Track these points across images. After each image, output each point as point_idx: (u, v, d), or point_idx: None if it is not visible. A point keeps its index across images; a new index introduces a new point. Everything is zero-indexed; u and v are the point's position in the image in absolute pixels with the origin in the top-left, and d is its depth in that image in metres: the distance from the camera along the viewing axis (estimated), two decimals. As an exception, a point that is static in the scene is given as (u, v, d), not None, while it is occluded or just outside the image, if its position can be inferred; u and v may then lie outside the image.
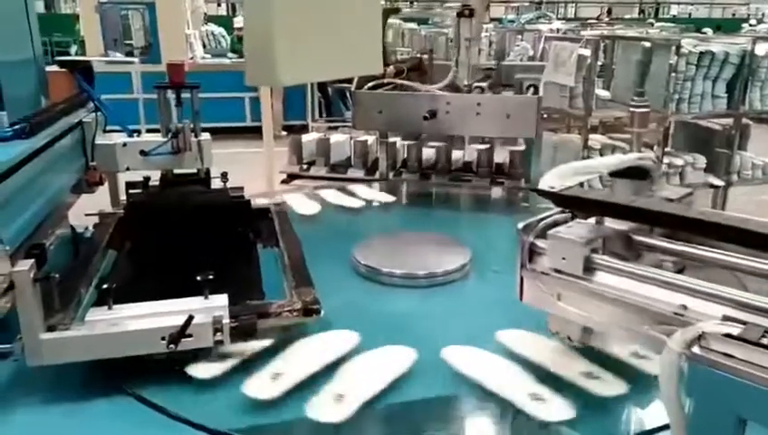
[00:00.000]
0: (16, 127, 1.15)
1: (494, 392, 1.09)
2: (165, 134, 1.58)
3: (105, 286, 1.13)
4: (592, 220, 1.13)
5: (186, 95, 1.62)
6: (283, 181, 3.21)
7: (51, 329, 1.05)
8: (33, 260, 1.01)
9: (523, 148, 2.22)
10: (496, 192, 2.32)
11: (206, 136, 1.63)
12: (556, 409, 1.04)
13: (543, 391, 1.08)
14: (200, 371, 1.08)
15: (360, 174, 2.61)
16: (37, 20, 1.55)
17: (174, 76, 1.58)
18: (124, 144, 1.58)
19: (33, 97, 1.49)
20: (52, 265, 1.12)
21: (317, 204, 2.15)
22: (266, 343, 1.19)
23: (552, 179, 1.10)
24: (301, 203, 2.13)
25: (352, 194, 2.23)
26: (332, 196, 2.23)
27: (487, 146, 2.24)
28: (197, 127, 1.61)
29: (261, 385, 1.06)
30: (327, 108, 10.02)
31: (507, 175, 2.26)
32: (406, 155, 2.41)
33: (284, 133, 8.12)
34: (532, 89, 2.23)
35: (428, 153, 2.42)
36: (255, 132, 5.48)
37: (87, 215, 1.61)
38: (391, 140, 2.42)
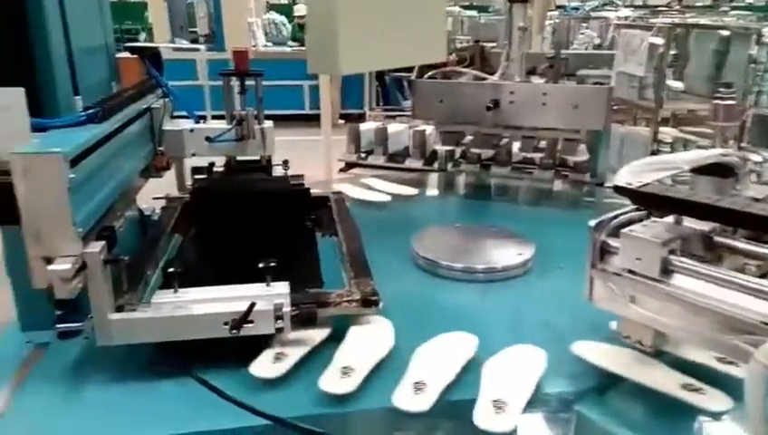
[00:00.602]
0: (90, 112, 1.17)
1: (646, 385, 1.04)
2: (229, 121, 1.60)
3: (171, 270, 1.15)
4: (669, 219, 1.07)
5: (250, 82, 1.63)
6: (342, 170, 3.23)
7: (119, 309, 1.07)
8: (103, 242, 1.04)
9: (586, 157, 2.11)
10: (560, 186, 2.24)
11: (268, 124, 1.63)
12: (717, 398, 1.00)
13: (693, 381, 1.04)
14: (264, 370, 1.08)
15: (417, 164, 2.58)
16: (110, 7, 1.58)
17: (239, 64, 1.59)
18: (191, 130, 1.60)
19: (105, 82, 1.53)
20: (121, 246, 1.15)
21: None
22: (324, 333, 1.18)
23: (628, 175, 1.04)
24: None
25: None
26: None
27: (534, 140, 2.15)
28: (261, 114, 1.62)
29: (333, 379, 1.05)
30: (384, 97, 10.01)
31: (571, 168, 2.17)
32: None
33: (341, 122, 8.18)
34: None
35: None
36: (314, 120, 5.53)
37: (154, 198, 1.66)
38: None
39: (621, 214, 1.08)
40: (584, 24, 8.23)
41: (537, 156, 2.14)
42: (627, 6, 11.00)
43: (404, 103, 9.78)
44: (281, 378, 1.07)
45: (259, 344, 1.13)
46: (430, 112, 2.26)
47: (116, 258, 1.07)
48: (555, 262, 1.59)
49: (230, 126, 1.59)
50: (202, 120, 1.67)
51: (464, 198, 2.23)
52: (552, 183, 2.22)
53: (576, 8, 9.89)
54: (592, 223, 1.04)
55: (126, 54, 1.69)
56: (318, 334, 1.16)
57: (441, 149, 2.25)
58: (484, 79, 2.20)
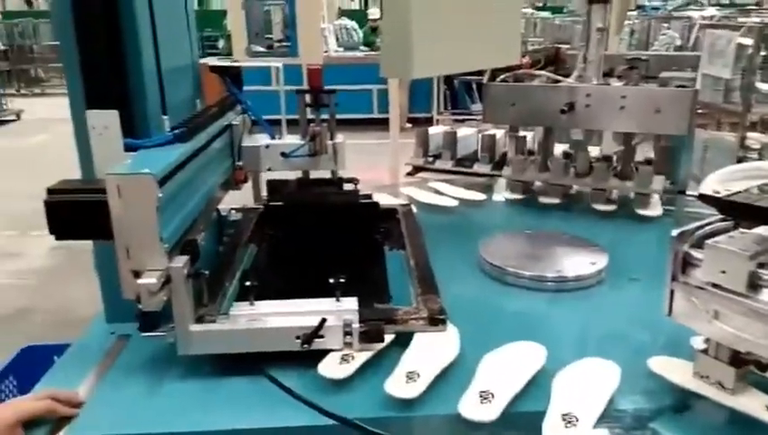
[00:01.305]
0: (177, 131, 1.22)
1: (728, 406, 0.99)
2: (303, 137, 1.64)
3: (248, 283, 1.20)
4: (759, 231, 1.00)
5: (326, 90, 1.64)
6: (409, 173, 3.23)
7: (199, 320, 1.13)
8: (187, 257, 1.09)
9: (661, 189, 2.00)
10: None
11: (340, 139, 1.65)
12: None
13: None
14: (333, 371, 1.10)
15: (486, 169, 2.54)
16: (195, 21, 1.63)
17: (313, 81, 1.61)
18: (266, 146, 1.65)
19: (190, 100, 1.58)
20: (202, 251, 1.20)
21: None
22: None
23: (714, 183, 0.98)
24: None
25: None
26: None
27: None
28: (333, 130, 1.64)
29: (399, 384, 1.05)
30: (452, 100, 9.95)
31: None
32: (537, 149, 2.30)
33: (409, 125, 8.20)
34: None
35: (560, 148, 2.29)
36: (382, 124, 5.57)
37: (232, 209, 1.74)
38: (521, 134, 2.33)
39: (706, 224, 1.02)
40: (665, 25, 7.89)
41: (613, 182, 2.05)
42: (712, 5, 10.44)
43: (472, 107, 9.70)
44: (347, 379, 1.08)
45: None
46: (502, 116, 2.22)
47: (198, 272, 1.13)
48: (630, 273, 1.53)
49: (303, 142, 1.62)
50: (278, 134, 1.68)
51: (533, 203, 2.17)
52: (628, 190, 2.13)
53: (656, 8, 9.49)
54: (675, 232, 0.99)
55: (207, 60, 1.76)
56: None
57: (510, 196, 2.22)
58: (558, 81, 2.14)
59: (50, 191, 1.07)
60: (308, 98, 1.64)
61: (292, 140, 1.67)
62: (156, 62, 1.29)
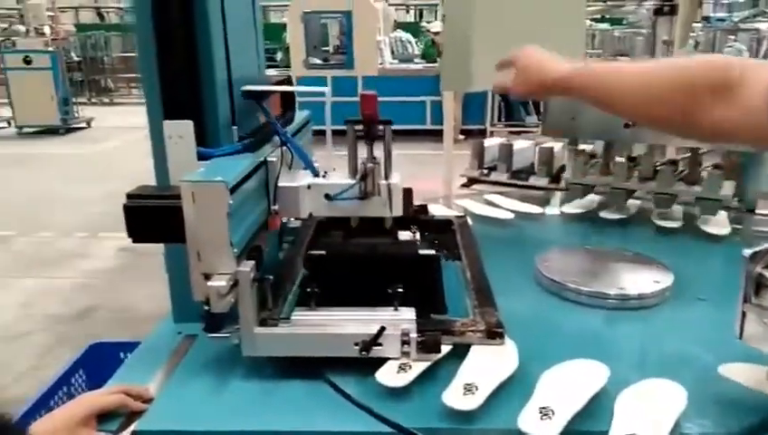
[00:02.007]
0: (245, 141, 1.27)
1: None
2: (352, 175, 1.37)
3: (309, 290, 1.22)
4: (840, 253, 0.96)
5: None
6: (464, 185, 3.22)
7: (262, 323, 1.17)
8: (253, 262, 1.13)
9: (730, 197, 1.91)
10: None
11: (396, 180, 1.37)
12: None
13: None
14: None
15: (542, 182, 2.51)
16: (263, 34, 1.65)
17: (366, 108, 1.32)
18: (308, 186, 1.37)
19: (256, 111, 1.60)
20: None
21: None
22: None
23: (792, 202, 0.95)
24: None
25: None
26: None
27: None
28: (389, 168, 1.37)
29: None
30: (506, 113, 9.89)
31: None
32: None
33: (462, 137, 8.19)
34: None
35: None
36: (435, 135, 5.60)
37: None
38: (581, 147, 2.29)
39: (782, 244, 0.98)
40: (731, 37, 7.61)
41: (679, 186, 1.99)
42: (783, 16, 9.98)
43: (527, 119, 9.59)
44: (404, 388, 1.09)
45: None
46: (561, 130, 2.20)
47: (262, 278, 1.17)
48: (696, 292, 1.48)
49: (353, 182, 1.35)
50: (323, 174, 1.41)
51: (593, 218, 2.13)
52: (693, 206, 2.06)
53: (722, 19, 9.15)
54: (747, 253, 0.96)
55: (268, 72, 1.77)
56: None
57: (568, 210, 2.18)
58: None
59: (129, 196, 1.13)
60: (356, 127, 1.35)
61: (338, 179, 1.38)
62: (227, 74, 1.34)
